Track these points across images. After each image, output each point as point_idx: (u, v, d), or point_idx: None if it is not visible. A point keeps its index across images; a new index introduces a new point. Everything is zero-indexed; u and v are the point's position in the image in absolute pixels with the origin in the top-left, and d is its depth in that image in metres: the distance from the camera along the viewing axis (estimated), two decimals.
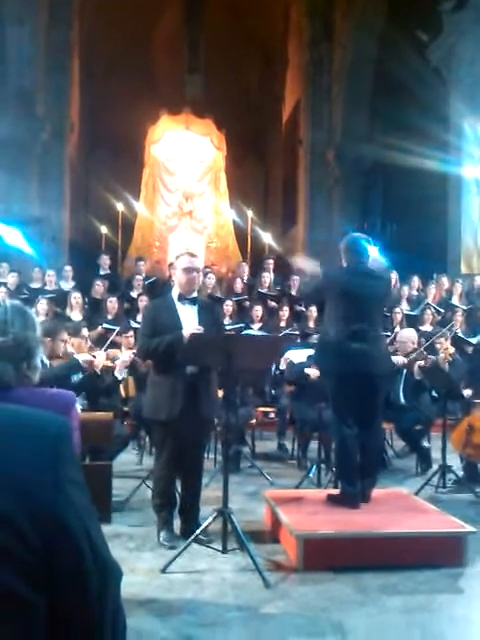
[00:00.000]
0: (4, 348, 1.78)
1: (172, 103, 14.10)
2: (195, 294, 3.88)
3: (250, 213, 12.66)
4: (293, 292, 8.86)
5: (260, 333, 7.30)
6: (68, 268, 8.92)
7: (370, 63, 12.80)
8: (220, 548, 3.56)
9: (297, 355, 5.56)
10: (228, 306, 7.92)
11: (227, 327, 7.63)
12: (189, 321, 3.76)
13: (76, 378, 4.16)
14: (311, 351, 5.29)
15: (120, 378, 4.69)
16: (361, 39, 12.64)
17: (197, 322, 3.75)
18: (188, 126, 13.65)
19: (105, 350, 4.82)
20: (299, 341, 7.06)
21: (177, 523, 3.91)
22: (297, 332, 7.61)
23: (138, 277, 8.81)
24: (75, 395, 2.16)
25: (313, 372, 5.52)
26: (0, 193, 11.05)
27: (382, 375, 4.08)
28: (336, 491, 4.14)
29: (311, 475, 4.96)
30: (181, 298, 3.82)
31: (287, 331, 7.51)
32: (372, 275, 4.15)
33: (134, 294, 8.43)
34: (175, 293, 3.86)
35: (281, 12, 14.71)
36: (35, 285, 8.60)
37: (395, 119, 11.15)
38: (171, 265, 8.77)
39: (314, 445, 5.62)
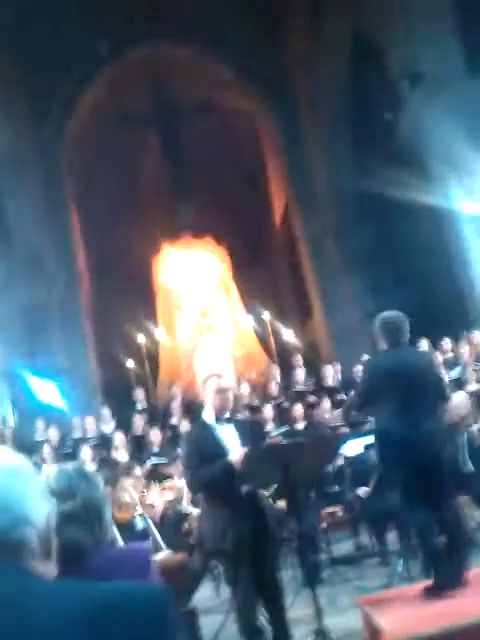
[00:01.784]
0: (75, 513, 1.78)
1: (170, 230, 14.78)
2: (228, 413, 3.84)
3: (267, 315, 12.83)
4: (329, 383, 8.81)
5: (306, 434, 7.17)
6: (105, 411, 8.98)
7: (347, 146, 13.27)
8: None
9: (354, 447, 5.40)
10: (268, 411, 7.86)
11: (272, 433, 7.54)
12: (231, 441, 3.70)
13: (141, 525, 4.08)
14: (366, 439, 5.17)
15: (189, 511, 4.58)
16: (329, 131, 13.28)
17: (238, 440, 3.69)
18: (189, 248, 14.22)
19: (160, 486, 4.77)
20: (349, 431, 6.92)
21: None
22: (343, 423, 7.48)
23: (174, 403, 8.84)
24: (150, 547, 2.10)
25: (363, 491, 5.48)
26: (25, 353, 11.34)
27: (442, 458, 3.95)
28: (430, 581, 3.90)
29: (399, 569, 4.70)
30: (217, 420, 3.77)
31: (335, 425, 7.36)
32: (414, 354, 4.11)
33: (174, 421, 8.42)
34: (210, 416, 3.81)
35: (251, 125, 15.63)
36: (76, 434, 8.63)
37: (382, 181, 11.37)
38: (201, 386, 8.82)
39: (393, 534, 5.38)
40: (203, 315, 13.71)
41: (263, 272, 16.73)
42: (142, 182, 16.66)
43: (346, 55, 12.16)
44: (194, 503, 4.70)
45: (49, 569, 0.91)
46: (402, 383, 3.86)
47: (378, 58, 10.72)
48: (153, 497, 4.85)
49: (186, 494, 4.56)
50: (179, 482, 5.15)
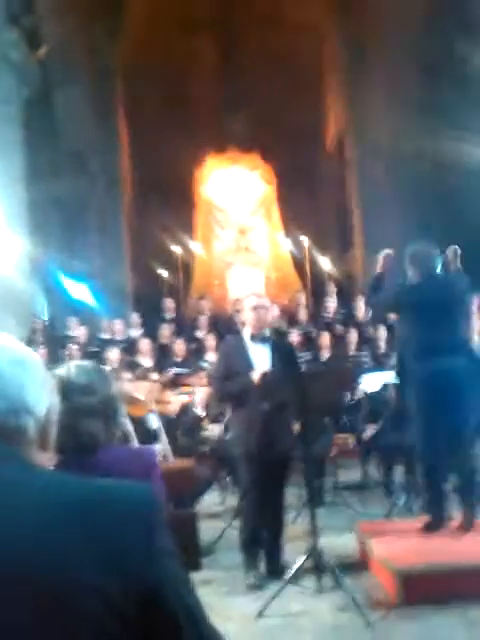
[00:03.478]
0: (94, 407, 1.85)
1: (217, 142, 14.41)
2: (267, 333, 3.89)
3: (305, 240, 12.64)
4: (359, 315, 8.71)
5: (327, 363, 7.20)
6: (135, 316, 9.07)
7: (412, 73, 12.62)
8: (314, 587, 3.45)
9: (372, 382, 5.41)
10: (294, 337, 7.86)
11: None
12: (261, 361, 3.77)
13: (154, 425, 4.21)
14: (386, 375, 5.15)
15: (202, 415, 4.71)
16: (396, 55, 12.57)
17: (270, 361, 3.76)
18: (235, 163, 13.91)
19: (177, 393, 4.88)
20: (372, 365, 6.91)
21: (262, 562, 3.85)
22: (366, 355, 7.47)
23: (202, 317, 8.89)
24: (156, 450, 2.18)
25: (369, 431, 5.40)
26: (62, 250, 11.46)
27: (467, 385, 3.84)
28: (427, 518, 3.96)
29: (400, 503, 4.78)
30: (253, 338, 3.84)
31: (356, 356, 7.36)
32: (448, 279, 3.98)
33: (200, 334, 8.49)
34: (247, 333, 3.89)
35: (314, 41, 14.87)
36: (104, 336, 8.79)
37: (448, 119, 10.84)
38: (236, 303, 8.83)
39: (400, 469, 5.45)
40: (241, 233, 13.57)
41: (307, 196, 16.33)
42: (195, 90, 16.14)
43: None
44: (207, 410, 4.83)
45: (45, 459, 0.92)
46: (427, 308, 3.76)
47: None
48: (169, 397, 4.99)
49: (200, 402, 4.67)
50: (197, 392, 5.24)
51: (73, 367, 1.92)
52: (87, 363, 2.00)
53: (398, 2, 12.11)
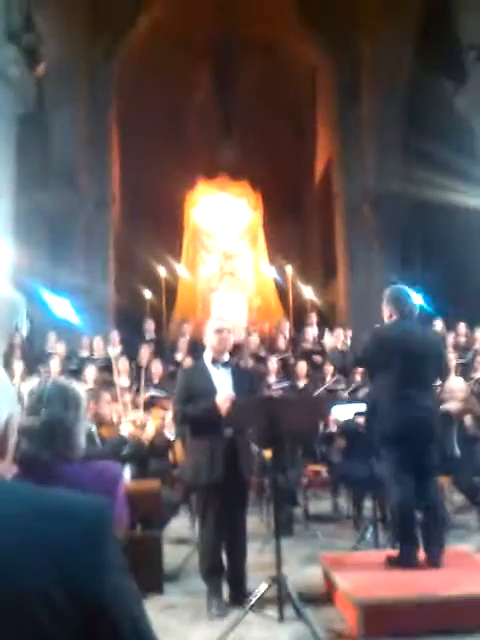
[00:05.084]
0: (32, 428, 1.81)
1: (208, 168, 14.58)
2: (227, 357, 3.88)
3: (289, 269, 12.75)
4: (338, 346, 8.78)
5: (304, 391, 7.23)
6: (114, 334, 9.08)
7: (400, 117, 13.01)
8: (276, 616, 3.45)
9: (343, 412, 5.47)
10: (272, 364, 7.91)
11: (273, 386, 7.62)
12: (223, 385, 3.76)
13: (125, 449, 4.20)
14: (358, 406, 5.20)
15: (172, 438, 4.71)
16: (389, 95, 12.92)
17: (231, 385, 3.75)
18: (224, 189, 14.07)
19: (150, 416, 4.88)
20: (346, 396, 6.96)
21: (226, 590, 3.83)
22: (342, 387, 7.52)
23: (182, 340, 8.91)
24: (122, 468, 2.16)
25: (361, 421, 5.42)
26: (47, 265, 11.46)
27: (436, 433, 3.98)
28: (394, 552, 3.98)
29: (368, 536, 4.80)
30: (214, 361, 3.83)
31: (331, 387, 7.41)
32: (423, 331, 4.08)
33: (179, 357, 8.51)
34: (208, 357, 3.88)
35: (308, 77, 15.19)
36: (83, 353, 8.78)
37: (431, 163, 11.19)
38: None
39: (369, 502, 5.46)
40: (227, 258, 13.68)
41: (293, 225, 16.55)
42: (188, 115, 16.36)
43: (416, 19, 11.79)
44: (177, 435, 4.83)
45: (4, 468, 0.95)
46: (404, 355, 3.86)
47: (447, 28, 10.28)
48: (143, 419, 4.99)
49: (170, 425, 4.67)
50: (170, 414, 5.25)
51: (30, 386, 1.87)
52: (48, 383, 1.90)
53: (392, 45, 12.51)
